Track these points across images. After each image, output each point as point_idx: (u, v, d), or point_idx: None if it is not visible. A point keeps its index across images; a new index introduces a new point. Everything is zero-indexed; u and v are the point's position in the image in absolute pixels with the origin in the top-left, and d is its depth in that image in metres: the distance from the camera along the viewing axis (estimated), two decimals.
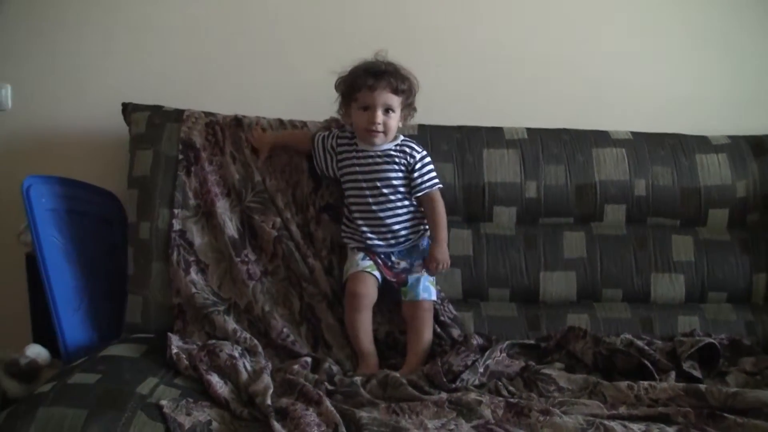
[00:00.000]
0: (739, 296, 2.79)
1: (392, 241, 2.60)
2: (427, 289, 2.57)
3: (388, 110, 2.49)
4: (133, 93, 2.88)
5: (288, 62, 2.94)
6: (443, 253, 2.57)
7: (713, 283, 2.77)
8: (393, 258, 2.61)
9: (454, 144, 2.79)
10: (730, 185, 2.80)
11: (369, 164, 2.57)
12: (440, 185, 2.59)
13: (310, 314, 2.63)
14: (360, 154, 2.59)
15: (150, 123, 2.75)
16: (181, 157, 2.68)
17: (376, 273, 2.58)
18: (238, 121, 2.73)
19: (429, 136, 2.80)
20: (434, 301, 2.59)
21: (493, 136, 2.82)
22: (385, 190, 2.56)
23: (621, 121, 2.94)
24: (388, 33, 2.96)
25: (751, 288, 2.79)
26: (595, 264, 2.76)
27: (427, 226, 2.61)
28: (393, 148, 2.56)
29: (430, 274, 2.60)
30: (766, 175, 2.83)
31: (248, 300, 2.61)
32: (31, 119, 3.05)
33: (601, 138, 2.84)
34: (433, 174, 2.58)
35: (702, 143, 2.86)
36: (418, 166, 2.55)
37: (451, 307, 2.68)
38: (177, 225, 2.65)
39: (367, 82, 2.47)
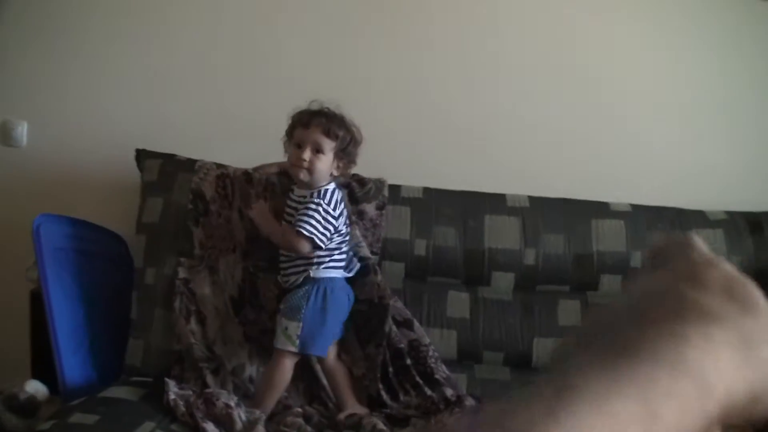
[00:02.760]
0: None
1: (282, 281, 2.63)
2: (284, 338, 2.52)
3: (317, 151, 2.49)
4: (147, 139, 2.93)
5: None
6: (256, 216, 2.64)
7: None
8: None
9: (458, 208, 2.82)
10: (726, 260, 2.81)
11: (290, 206, 2.61)
12: (305, 233, 2.47)
13: (308, 370, 2.65)
14: (291, 197, 2.62)
15: (162, 171, 2.79)
16: (191, 206, 2.72)
17: None
18: (248, 176, 2.75)
19: (433, 199, 2.84)
20: (288, 351, 2.52)
21: (496, 202, 2.86)
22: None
23: (621, 193, 2.97)
24: (397, 92, 3.03)
25: None
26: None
27: (304, 269, 2.57)
28: (312, 192, 2.55)
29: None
30: (761, 252, 2.85)
31: (240, 362, 2.64)
32: (46, 157, 3.09)
33: (600, 209, 2.88)
34: (311, 222, 2.49)
35: (699, 218, 2.89)
36: (307, 206, 2.52)
37: (444, 367, 2.68)
38: (182, 273, 2.67)
39: (302, 119, 2.50)
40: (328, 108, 2.52)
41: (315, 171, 2.51)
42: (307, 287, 2.54)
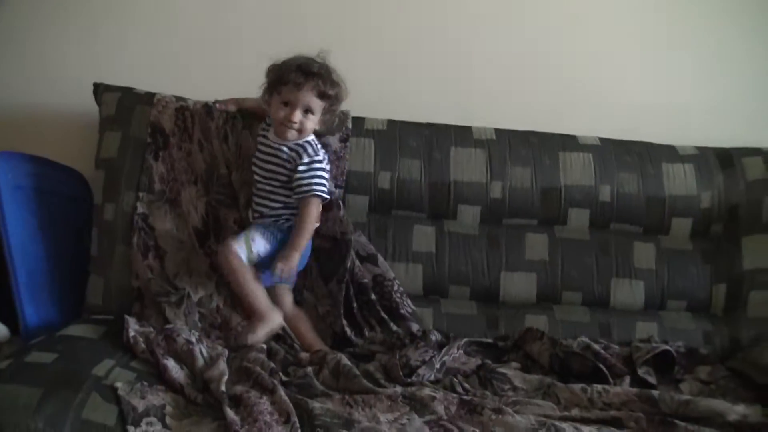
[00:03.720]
0: (698, 305, 2.81)
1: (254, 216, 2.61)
2: (241, 242, 2.48)
3: (307, 111, 2.47)
4: (105, 73, 2.87)
5: (261, 48, 2.94)
6: (291, 260, 2.46)
7: (673, 292, 2.79)
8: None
9: (423, 141, 2.79)
10: (695, 196, 2.81)
11: (265, 152, 2.57)
12: (320, 194, 2.50)
13: None
14: (264, 142, 2.58)
15: (120, 105, 2.74)
16: (149, 140, 2.67)
17: None
18: (208, 109, 2.70)
19: (398, 131, 2.81)
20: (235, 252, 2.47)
21: (462, 135, 2.83)
22: (266, 184, 2.56)
23: (590, 127, 2.95)
24: (361, 24, 2.99)
25: (710, 298, 2.80)
26: (556, 267, 2.77)
27: (280, 221, 2.57)
28: (290, 145, 2.53)
29: (272, 275, 2.51)
30: (731, 188, 2.84)
31: (207, 293, 2.62)
32: (2, 97, 3.04)
33: (568, 142, 2.85)
34: (317, 181, 2.50)
35: (669, 153, 2.88)
36: (301, 169, 2.50)
37: (410, 302, 2.68)
38: (141, 208, 2.64)
39: (296, 79, 2.44)
40: (320, 65, 2.48)
41: (305, 131, 2.50)
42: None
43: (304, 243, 2.50)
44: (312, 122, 2.49)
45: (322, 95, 2.46)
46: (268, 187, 2.56)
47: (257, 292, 2.47)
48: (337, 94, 2.50)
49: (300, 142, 2.52)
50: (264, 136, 2.59)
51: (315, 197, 2.49)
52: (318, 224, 2.56)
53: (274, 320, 2.47)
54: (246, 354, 2.36)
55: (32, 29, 3.03)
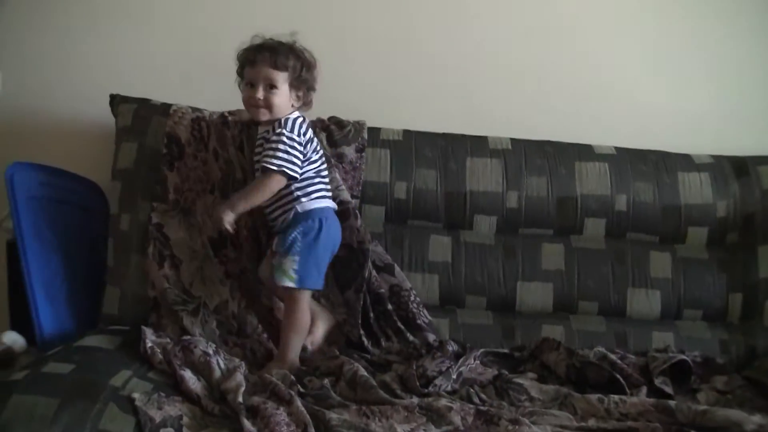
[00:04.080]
0: (714, 315, 2.80)
1: (270, 224, 2.57)
2: (280, 274, 2.45)
3: (271, 86, 2.44)
4: (122, 85, 2.87)
5: None
6: (217, 211, 2.42)
7: (689, 301, 2.78)
8: (261, 236, 2.64)
9: (438, 151, 2.79)
10: (711, 204, 2.81)
11: (257, 146, 2.55)
12: (274, 168, 2.41)
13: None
14: (257, 136, 2.57)
15: (136, 116, 2.74)
16: (165, 151, 2.68)
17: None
18: (224, 120, 2.71)
19: (414, 141, 2.81)
20: (293, 288, 2.46)
21: (477, 145, 2.83)
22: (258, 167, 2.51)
23: (605, 135, 2.95)
24: (376, 33, 2.99)
25: (726, 307, 2.79)
26: (572, 276, 2.77)
27: (290, 205, 2.50)
28: (268, 127, 2.51)
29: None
30: (746, 196, 2.83)
31: (222, 300, 2.62)
32: (20, 106, 3.05)
33: (584, 152, 2.85)
34: (281, 155, 2.42)
35: (685, 161, 2.87)
36: (273, 139, 2.45)
37: (426, 312, 2.68)
38: (155, 218, 2.64)
39: (248, 57, 2.46)
40: (271, 39, 2.48)
41: (273, 107, 2.46)
42: (301, 224, 2.48)
43: (240, 206, 2.43)
44: (279, 97, 2.46)
45: (278, 66, 2.43)
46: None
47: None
48: (297, 64, 2.47)
49: (280, 119, 2.48)
50: (258, 136, 2.58)
51: (276, 173, 2.43)
52: (266, 199, 2.48)
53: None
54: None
55: (48, 40, 3.04)
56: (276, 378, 2.25)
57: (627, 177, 2.81)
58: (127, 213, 2.68)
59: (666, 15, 3.09)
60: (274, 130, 2.47)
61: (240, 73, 2.52)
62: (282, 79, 2.45)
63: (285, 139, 2.43)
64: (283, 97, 2.46)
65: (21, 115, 3.05)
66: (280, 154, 2.42)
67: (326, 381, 2.29)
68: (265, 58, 2.43)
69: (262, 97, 2.44)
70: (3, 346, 2.52)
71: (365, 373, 2.31)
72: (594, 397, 2.23)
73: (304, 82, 2.50)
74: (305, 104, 2.56)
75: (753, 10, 3.08)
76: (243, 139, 2.69)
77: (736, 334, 2.76)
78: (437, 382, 2.31)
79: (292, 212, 2.48)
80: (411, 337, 2.63)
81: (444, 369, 2.37)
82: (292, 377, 2.30)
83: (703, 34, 3.10)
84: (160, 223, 2.65)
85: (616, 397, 2.23)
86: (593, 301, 2.77)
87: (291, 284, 2.43)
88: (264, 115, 2.47)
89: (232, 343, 2.56)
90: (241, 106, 2.56)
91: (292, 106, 2.51)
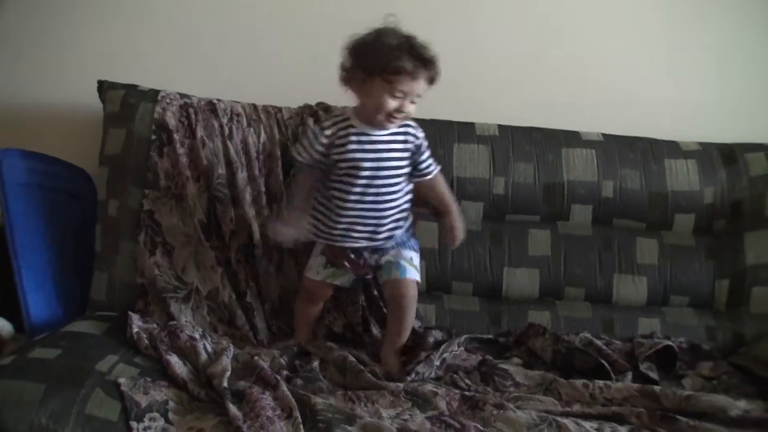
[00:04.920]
0: (701, 301, 2.81)
1: (372, 236, 2.42)
2: (412, 269, 2.45)
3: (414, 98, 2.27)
4: (110, 71, 2.86)
5: (265, 47, 2.94)
6: (463, 223, 2.47)
7: (676, 287, 2.79)
8: (365, 254, 2.48)
9: (426, 137, 2.78)
10: (698, 191, 2.82)
11: (374, 150, 2.34)
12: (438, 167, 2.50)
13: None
14: (363, 138, 2.34)
15: (124, 102, 2.73)
16: (154, 137, 2.66)
17: (337, 282, 2.54)
18: (212, 106, 2.70)
19: None
20: (417, 281, 2.47)
21: (465, 131, 2.83)
22: (389, 177, 2.37)
23: (593, 123, 2.95)
24: (366, 21, 2.97)
25: (713, 293, 2.81)
26: (559, 263, 2.78)
27: (406, 218, 2.48)
28: (397, 131, 2.37)
29: (452, 246, 2.57)
30: (734, 183, 2.84)
31: (214, 286, 2.61)
32: (7, 93, 3.04)
33: (571, 138, 2.85)
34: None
35: (672, 148, 2.88)
36: (423, 147, 2.41)
37: None
38: (147, 205, 2.63)
39: (411, 67, 2.21)
40: (426, 46, 2.27)
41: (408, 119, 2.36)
42: (406, 219, 2.50)
43: (455, 206, 2.51)
44: (414, 108, 2.30)
45: (432, 81, 2.27)
46: (394, 183, 2.39)
47: None
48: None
49: (406, 124, 2.39)
50: (353, 135, 2.35)
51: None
52: None
53: None
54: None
55: (36, 26, 3.02)
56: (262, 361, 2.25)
57: (614, 163, 2.81)
58: (115, 199, 2.66)
59: (651, 3, 3.09)
60: (413, 135, 2.41)
61: (373, 72, 2.24)
62: (424, 93, 2.30)
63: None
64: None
65: (9, 102, 3.04)
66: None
67: (316, 365, 2.31)
68: (428, 74, 2.25)
69: (410, 112, 2.29)
70: None
71: (354, 359, 2.33)
72: (579, 382, 2.25)
73: None
74: None
75: (741, 1, 3.09)
76: (232, 128, 2.69)
77: (722, 321, 2.78)
78: (419, 369, 2.32)
79: (408, 223, 2.53)
80: None
81: (422, 357, 2.38)
82: (283, 361, 2.31)
83: (688, 22, 3.10)
84: (151, 210, 2.63)
85: (601, 382, 2.25)
86: (580, 287, 2.78)
87: (419, 278, 2.48)
88: (394, 127, 2.36)
89: (222, 331, 2.56)
90: (227, 93, 2.56)
91: None
